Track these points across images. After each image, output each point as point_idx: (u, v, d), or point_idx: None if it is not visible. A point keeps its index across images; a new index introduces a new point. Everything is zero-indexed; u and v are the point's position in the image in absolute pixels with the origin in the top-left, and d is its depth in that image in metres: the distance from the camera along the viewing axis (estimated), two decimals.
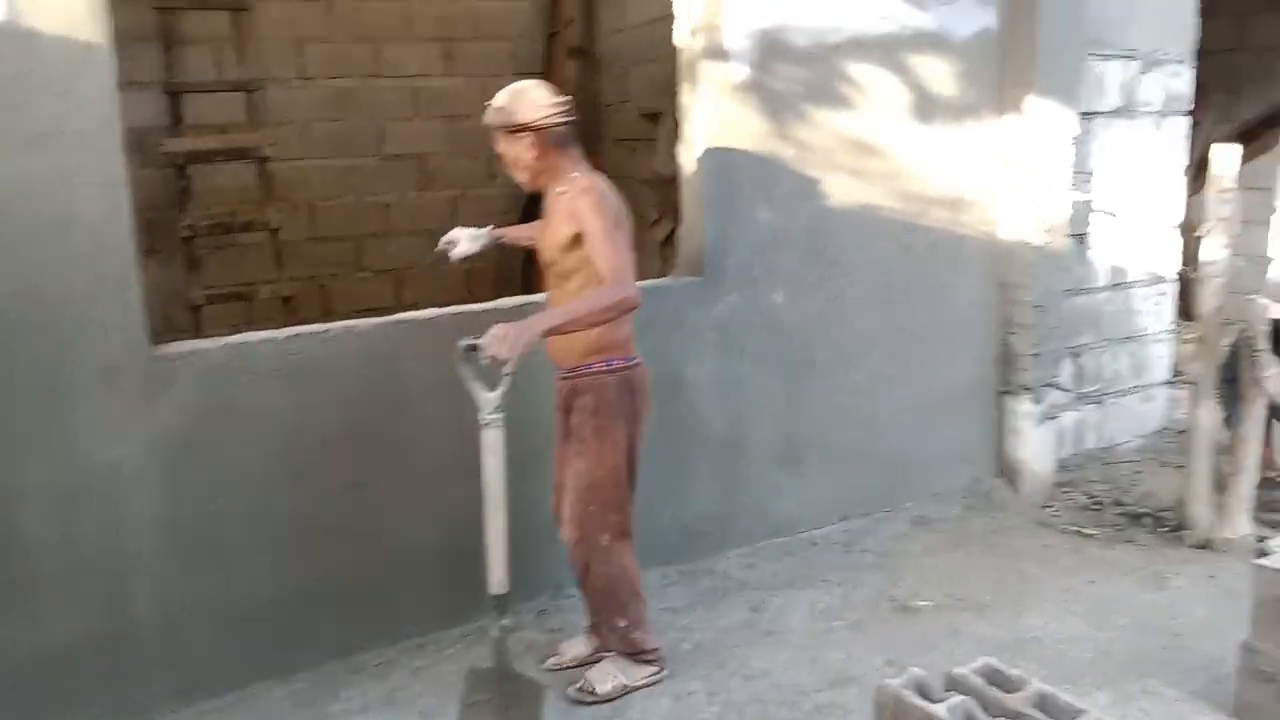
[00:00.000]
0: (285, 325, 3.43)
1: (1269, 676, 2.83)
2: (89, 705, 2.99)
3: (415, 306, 3.65)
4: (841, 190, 4.10)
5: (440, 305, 3.51)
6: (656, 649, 3.22)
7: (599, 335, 2.96)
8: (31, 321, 2.82)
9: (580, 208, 2.88)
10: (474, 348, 2.75)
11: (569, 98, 3.04)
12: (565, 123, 2.96)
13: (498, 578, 2.81)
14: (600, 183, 2.97)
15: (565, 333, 2.83)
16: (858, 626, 3.57)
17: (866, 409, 4.32)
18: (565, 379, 3.08)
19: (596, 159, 3.42)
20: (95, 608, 2.97)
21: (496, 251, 7.15)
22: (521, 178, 3.05)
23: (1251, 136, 6.85)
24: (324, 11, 6.50)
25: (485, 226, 3.47)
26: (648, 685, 3.18)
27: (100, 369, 2.91)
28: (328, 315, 3.84)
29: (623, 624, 3.15)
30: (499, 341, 2.68)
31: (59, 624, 2.92)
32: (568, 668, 3.30)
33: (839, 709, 3.07)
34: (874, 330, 4.28)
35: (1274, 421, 4.41)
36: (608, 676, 3.16)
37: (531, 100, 2.95)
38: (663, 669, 3.23)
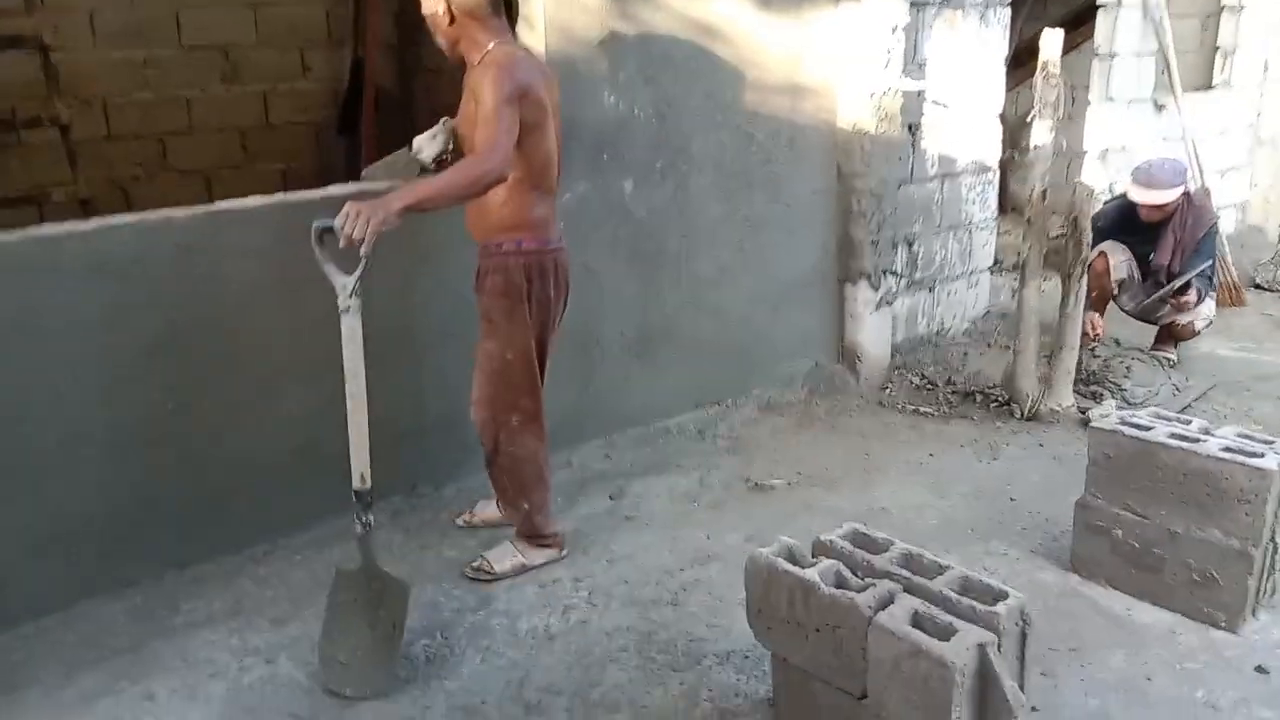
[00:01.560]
0: None
1: (1102, 530, 3.02)
2: None
3: None
4: (686, 76, 4.01)
5: None
6: (556, 534, 3.23)
7: (511, 213, 2.88)
8: None
9: (483, 81, 2.72)
10: (329, 229, 2.56)
11: None
12: None
13: (360, 472, 2.66)
14: (516, 55, 2.80)
15: (427, 209, 2.66)
16: (716, 507, 3.61)
17: (715, 298, 4.32)
18: (480, 259, 2.98)
19: None
20: None
21: (315, 150, 6.78)
22: (441, 46, 2.91)
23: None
24: None
25: (438, 123, 3.11)
26: (547, 565, 3.18)
27: None
28: None
29: (526, 506, 3.13)
30: (353, 220, 2.50)
31: None
32: (475, 526, 3.39)
33: (704, 585, 3.09)
34: (720, 219, 4.26)
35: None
36: (506, 557, 3.15)
37: None
38: (563, 551, 3.23)
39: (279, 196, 3.21)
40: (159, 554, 3.09)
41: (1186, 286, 4.79)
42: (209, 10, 6.17)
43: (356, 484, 2.67)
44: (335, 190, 3.27)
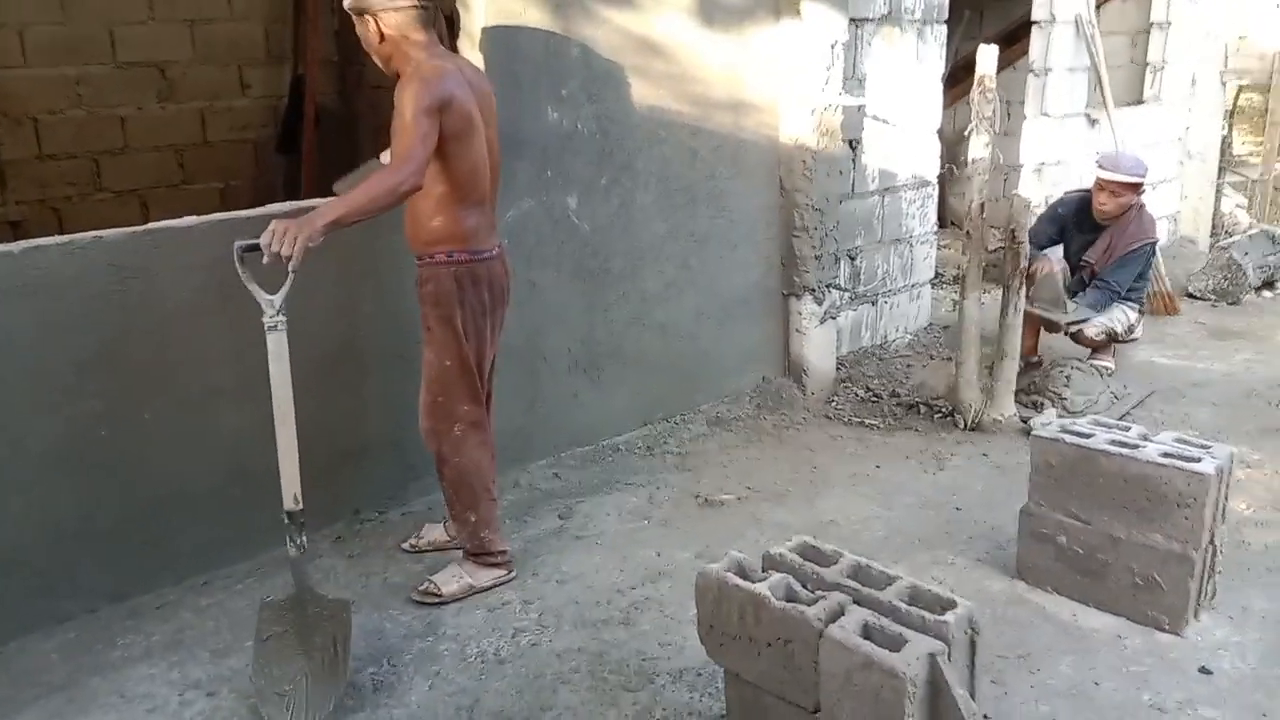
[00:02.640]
0: None
1: (1046, 537, 3.05)
2: None
3: None
4: (629, 91, 4.01)
5: None
6: (504, 551, 3.19)
7: (440, 225, 2.90)
8: None
9: (403, 94, 2.72)
10: (253, 248, 2.55)
11: None
12: (414, 6, 2.83)
13: (291, 493, 2.61)
14: (442, 68, 2.79)
15: (349, 224, 2.64)
16: (665, 523, 3.59)
17: (660, 315, 4.32)
18: (418, 270, 2.99)
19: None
20: None
21: (254, 169, 6.67)
22: (378, 63, 2.93)
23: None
24: None
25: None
26: (494, 587, 3.14)
27: None
28: None
29: (472, 519, 3.10)
30: (279, 237, 2.49)
31: None
32: (423, 551, 3.35)
33: (655, 603, 3.07)
34: (664, 235, 4.26)
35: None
36: (453, 579, 3.11)
37: None
38: (511, 572, 3.19)
39: (216, 216, 3.14)
40: (94, 586, 2.99)
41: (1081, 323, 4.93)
42: (145, 27, 6.07)
43: (289, 504, 2.63)
44: (274, 209, 3.20)
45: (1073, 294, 4.93)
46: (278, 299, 2.56)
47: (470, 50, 3.57)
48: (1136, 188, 4.85)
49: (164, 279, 3.02)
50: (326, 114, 6.42)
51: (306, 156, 6.29)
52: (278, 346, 2.57)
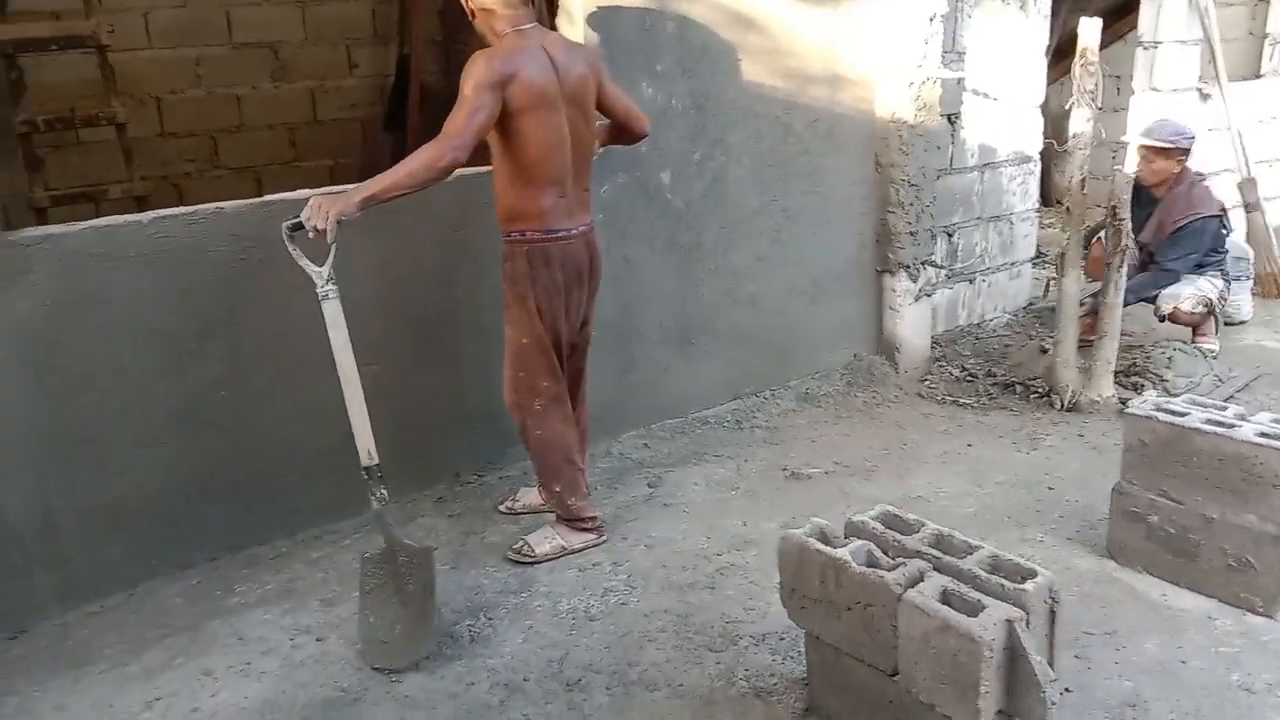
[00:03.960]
0: None
1: (1138, 516, 3.03)
2: None
3: None
4: (724, 66, 4.05)
5: None
6: (594, 517, 3.29)
7: (513, 204, 2.99)
8: None
9: (467, 70, 2.82)
10: (298, 225, 2.73)
11: None
12: None
13: (365, 449, 2.77)
14: (514, 45, 2.88)
15: (387, 198, 2.75)
16: (752, 495, 3.65)
17: (752, 289, 4.36)
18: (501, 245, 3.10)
19: None
20: None
21: (362, 146, 6.89)
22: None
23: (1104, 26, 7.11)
24: None
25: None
26: (585, 550, 3.24)
27: None
28: None
29: (557, 488, 3.21)
30: (315, 212, 2.67)
31: None
32: (518, 513, 3.47)
33: (739, 569, 3.15)
34: (756, 210, 4.30)
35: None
36: (546, 540, 3.23)
37: None
38: (601, 536, 3.30)
39: (323, 189, 3.29)
40: (214, 537, 3.21)
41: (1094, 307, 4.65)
42: (259, 9, 6.33)
43: (365, 460, 2.78)
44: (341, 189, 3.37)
45: (1131, 276, 4.80)
46: (324, 270, 2.72)
47: (568, 28, 3.66)
48: (1170, 154, 4.66)
49: (280, 249, 3.17)
50: (430, 92, 6.59)
51: (411, 134, 6.46)
52: (333, 314, 2.73)
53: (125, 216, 3.00)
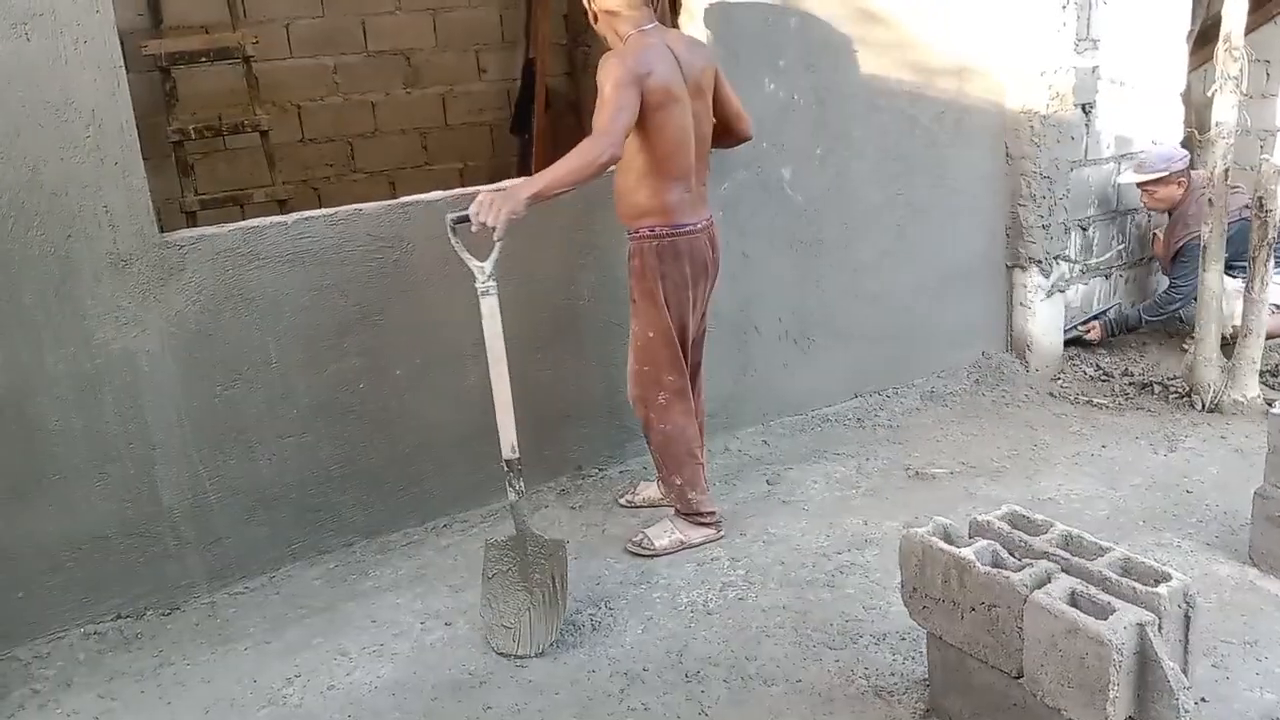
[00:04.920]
0: None
1: None
2: (126, 588, 3.04)
3: None
4: (847, 60, 4.02)
5: None
6: (713, 512, 3.32)
7: (642, 200, 3.03)
8: (38, 210, 2.77)
9: (603, 70, 2.88)
10: (463, 219, 2.79)
11: None
12: None
13: (509, 442, 2.84)
14: (642, 43, 2.94)
15: (550, 196, 2.82)
16: (874, 494, 3.62)
17: (875, 286, 4.31)
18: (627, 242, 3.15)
19: None
20: (123, 493, 2.98)
21: (490, 149, 7.07)
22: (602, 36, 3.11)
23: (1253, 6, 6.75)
24: None
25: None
26: (704, 544, 3.27)
27: (109, 256, 2.88)
28: None
29: (678, 482, 3.25)
30: (485, 209, 2.73)
31: (89, 510, 2.95)
32: (638, 506, 3.53)
33: (860, 568, 3.12)
34: (880, 205, 4.25)
35: None
36: (665, 533, 3.27)
37: None
38: (720, 531, 3.32)
39: (459, 190, 3.42)
40: (351, 523, 3.36)
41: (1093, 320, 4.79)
42: (392, 17, 6.55)
43: (507, 453, 2.86)
44: (508, 184, 3.45)
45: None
46: (487, 265, 2.79)
47: (691, 25, 3.69)
48: (1167, 181, 4.61)
49: (414, 247, 3.32)
50: (555, 95, 6.72)
51: (537, 137, 6.59)
52: (490, 309, 2.80)
53: (271, 218, 3.17)
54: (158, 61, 5.52)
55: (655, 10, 3.07)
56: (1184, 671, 2.02)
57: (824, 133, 4.02)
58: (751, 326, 4.03)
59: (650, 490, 3.53)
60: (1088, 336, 4.80)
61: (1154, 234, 5.00)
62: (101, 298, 2.88)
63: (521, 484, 2.89)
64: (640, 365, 3.16)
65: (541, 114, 6.62)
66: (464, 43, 6.75)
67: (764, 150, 3.88)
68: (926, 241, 4.40)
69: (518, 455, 2.87)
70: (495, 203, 2.73)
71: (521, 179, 2.93)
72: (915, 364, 4.50)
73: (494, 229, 2.73)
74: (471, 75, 6.86)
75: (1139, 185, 4.71)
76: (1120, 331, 4.84)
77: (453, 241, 2.83)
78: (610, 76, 2.84)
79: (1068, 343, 4.79)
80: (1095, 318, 4.83)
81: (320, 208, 3.33)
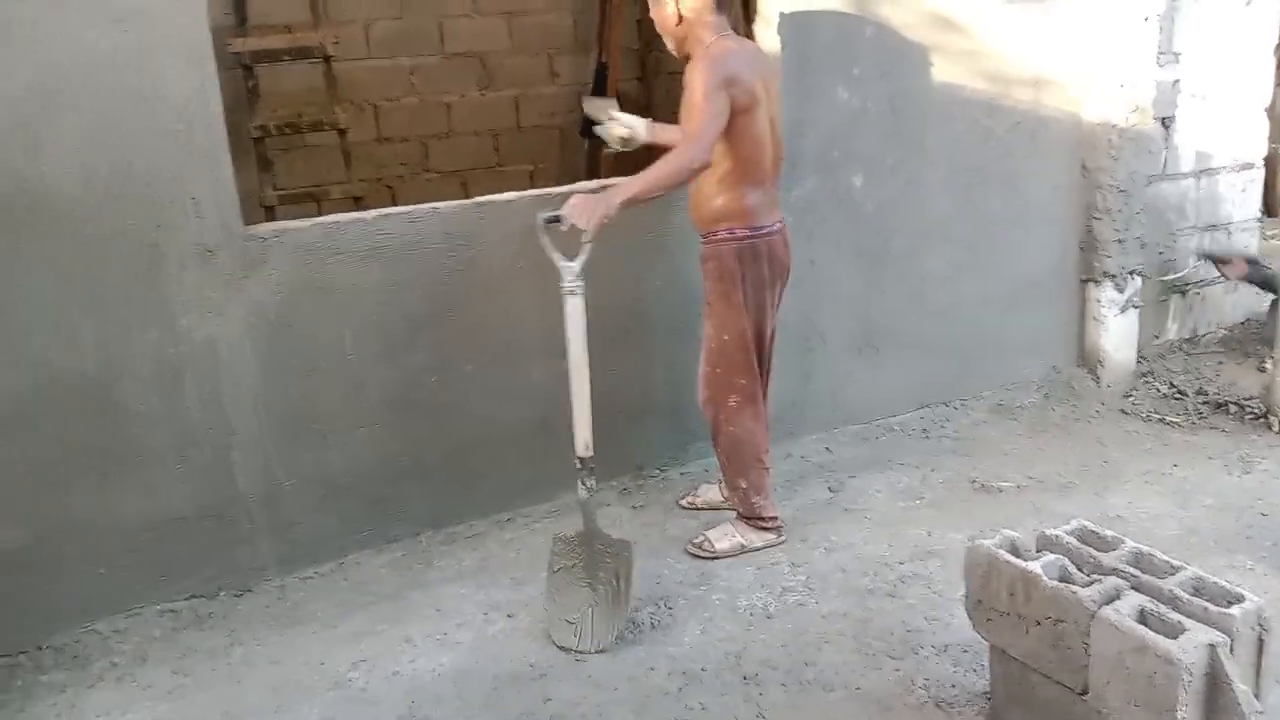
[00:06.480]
0: None
1: None
2: (200, 568, 3.13)
3: None
4: (921, 69, 4.00)
5: None
6: (775, 517, 3.33)
7: (723, 203, 3.05)
8: (128, 197, 2.87)
9: (693, 74, 2.90)
10: (555, 219, 2.83)
11: None
12: None
13: (584, 440, 2.87)
14: (729, 48, 2.96)
15: (643, 200, 2.87)
16: (938, 505, 3.59)
17: (943, 296, 4.27)
18: (702, 247, 3.16)
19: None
20: (201, 478, 3.08)
21: (560, 152, 7.15)
22: (668, 45, 3.11)
23: None
24: None
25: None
26: (764, 549, 3.28)
27: (195, 246, 2.97)
28: None
29: (743, 485, 3.26)
30: (578, 211, 2.76)
31: (168, 492, 3.04)
32: (699, 509, 3.53)
33: (922, 579, 3.11)
34: (952, 215, 4.21)
35: None
36: (726, 536, 3.29)
37: None
38: (781, 537, 3.33)
39: (531, 191, 3.48)
40: (418, 514, 3.43)
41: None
42: (469, 20, 6.65)
43: (581, 451, 2.89)
44: (578, 188, 3.50)
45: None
46: (576, 266, 2.81)
47: (765, 32, 3.70)
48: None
49: (487, 246, 3.37)
50: (626, 100, 6.76)
51: None
52: (575, 309, 2.82)
53: (350, 214, 3.25)
54: (241, 59, 5.67)
55: (730, 17, 3.09)
56: (1255, 696, 1.98)
57: (896, 141, 4.00)
58: (817, 334, 4.02)
59: (711, 493, 3.54)
60: (1227, 270, 4.67)
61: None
62: (187, 286, 2.98)
63: (592, 482, 2.92)
64: (713, 368, 3.18)
65: None
66: (538, 46, 6.82)
67: (835, 158, 3.87)
68: (997, 253, 4.35)
69: (591, 454, 2.90)
70: (590, 205, 2.77)
71: (617, 180, 2.96)
72: (983, 376, 4.46)
73: (584, 231, 2.76)
74: (545, 79, 6.93)
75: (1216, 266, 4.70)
76: (1262, 287, 4.71)
77: (542, 240, 2.86)
78: (702, 81, 2.86)
79: (1206, 257, 4.74)
80: (1251, 262, 4.66)
81: (393, 205, 3.40)
